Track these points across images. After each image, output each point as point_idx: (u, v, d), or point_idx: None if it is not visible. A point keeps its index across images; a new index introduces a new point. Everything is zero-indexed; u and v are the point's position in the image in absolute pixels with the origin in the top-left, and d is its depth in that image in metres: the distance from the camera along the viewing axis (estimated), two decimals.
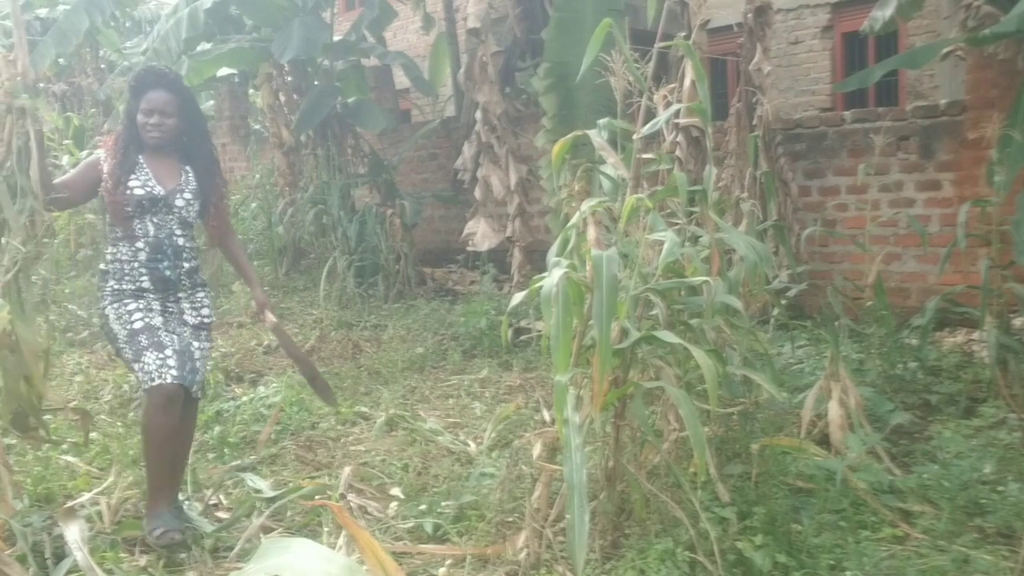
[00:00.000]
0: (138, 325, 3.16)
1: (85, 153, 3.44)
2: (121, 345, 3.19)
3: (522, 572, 2.77)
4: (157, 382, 3.07)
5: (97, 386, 5.22)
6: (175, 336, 3.21)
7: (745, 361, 3.41)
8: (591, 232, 2.78)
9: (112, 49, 12.54)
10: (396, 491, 3.59)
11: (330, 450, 4.18)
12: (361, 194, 8.93)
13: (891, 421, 3.87)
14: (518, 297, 2.96)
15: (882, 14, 5.90)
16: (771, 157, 6.03)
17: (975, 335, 4.93)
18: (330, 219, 8.07)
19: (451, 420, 4.58)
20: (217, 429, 4.33)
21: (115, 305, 3.21)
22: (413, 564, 2.95)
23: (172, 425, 3.14)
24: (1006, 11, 4.44)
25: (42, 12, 12.28)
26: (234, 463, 3.93)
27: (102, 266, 3.31)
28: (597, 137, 2.91)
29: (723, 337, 3.29)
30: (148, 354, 3.11)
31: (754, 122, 6.01)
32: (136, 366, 3.13)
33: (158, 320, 3.21)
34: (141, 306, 3.20)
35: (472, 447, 4.06)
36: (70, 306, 7.18)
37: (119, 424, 4.51)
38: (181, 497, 3.39)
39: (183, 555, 3.03)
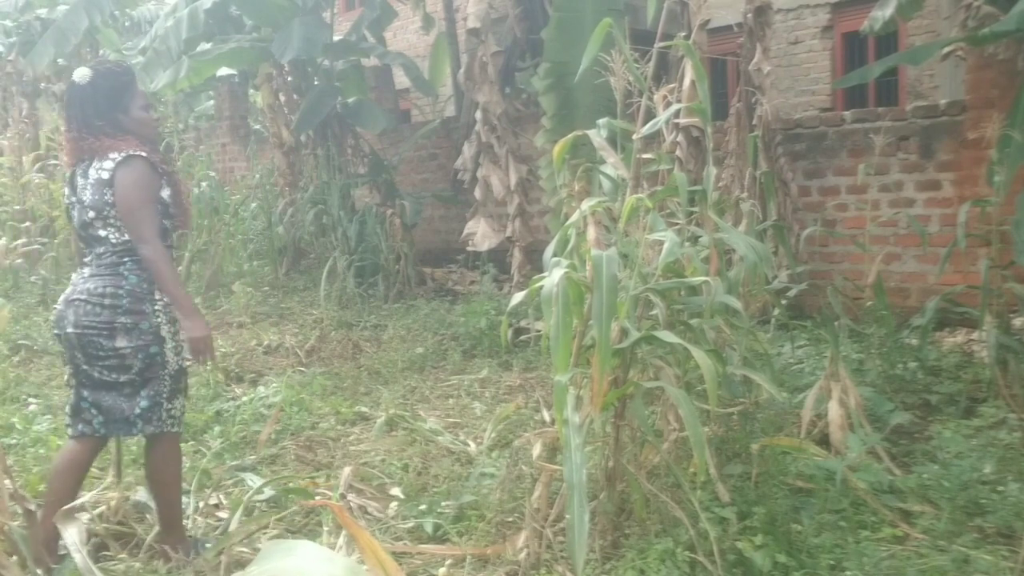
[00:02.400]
0: (185, 363, 2.97)
1: (119, 159, 2.87)
2: (164, 377, 2.91)
3: (522, 572, 2.77)
4: (176, 430, 3.00)
5: None
6: None
7: (745, 361, 3.42)
8: (591, 232, 2.79)
9: (112, 49, 12.53)
10: (396, 491, 3.59)
11: (330, 450, 4.18)
12: (361, 194, 8.93)
13: (891, 421, 3.87)
14: (518, 297, 2.96)
15: (882, 14, 5.90)
16: (771, 157, 6.02)
17: (975, 335, 4.93)
18: (330, 219, 8.07)
19: (451, 420, 4.58)
20: (217, 429, 4.33)
21: (172, 329, 2.91)
22: (413, 564, 2.95)
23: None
24: (1006, 11, 4.44)
25: (42, 12, 12.28)
26: (234, 463, 3.93)
27: (129, 284, 2.87)
28: (597, 137, 2.91)
29: (723, 337, 3.29)
30: (179, 399, 2.99)
31: (754, 122, 6.01)
32: (169, 406, 2.94)
33: None
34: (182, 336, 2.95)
35: (472, 447, 4.06)
36: None
37: None
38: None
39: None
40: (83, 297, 2.87)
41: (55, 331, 2.97)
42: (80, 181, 2.95)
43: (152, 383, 2.91)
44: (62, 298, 2.95)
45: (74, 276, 3.00)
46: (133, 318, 2.86)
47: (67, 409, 3.00)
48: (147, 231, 2.85)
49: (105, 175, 2.88)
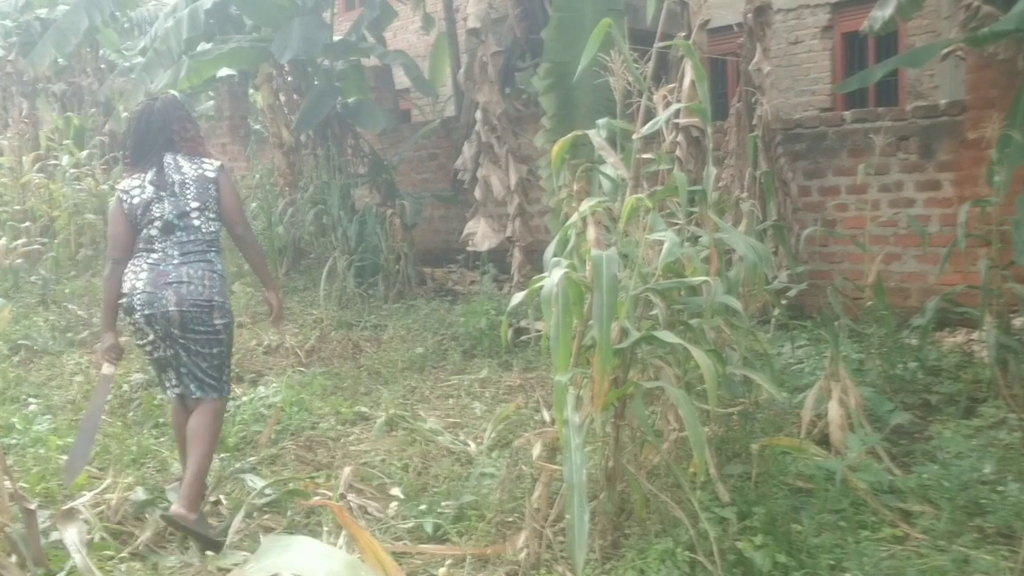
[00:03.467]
0: None
1: (217, 165, 3.60)
2: (229, 353, 3.51)
3: (522, 572, 2.77)
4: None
5: None
6: None
7: (745, 361, 3.41)
8: (591, 232, 2.78)
9: (112, 49, 12.54)
10: (396, 491, 3.59)
11: (330, 450, 4.18)
12: (361, 194, 8.93)
13: (891, 421, 3.87)
14: (518, 297, 2.96)
15: (881, 14, 5.90)
16: (771, 157, 6.02)
17: (975, 335, 4.93)
18: (330, 219, 8.07)
19: (451, 420, 4.58)
20: None
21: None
22: (413, 564, 2.95)
23: None
24: (1006, 11, 4.44)
25: (42, 12, 12.29)
26: (237, 465, 3.93)
27: (219, 268, 3.43)
28: (597, 137, 2.91)
29: (723, 337, 3.29)
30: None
31: (754, 122, 6.01)
32: (227, 372, 3.51)
33: None
34: None
35: (472, 447, 4.06)
36: (70, 306, 7.19)
37: (119, 424, 4.51)
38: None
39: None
40: (185, 279, 3.33)
41: (145, 312, 3.30)
42: (175, 177, 3.42)
43: (229, 353, 3.51)
44: (146, 282, 3.31)
45: (149, 263, 3.34)
46: (222, 297, 3.42)
47: (169, 378, 3.46)
48: (248, 223, 3.68)
49: (210, 174, 3.48)
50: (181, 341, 3.35)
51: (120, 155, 3.89)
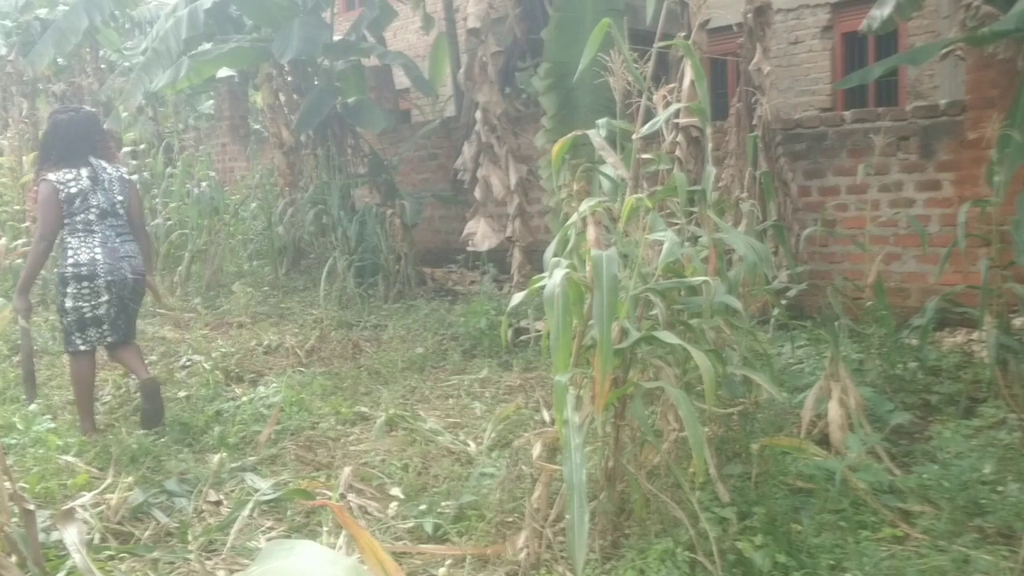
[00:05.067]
0: None
1: (126, 171, 4.72)
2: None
3: (522, 572, 2.77)
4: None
5: (97, 386, 5.21)
6: None
7: (745, 361, 3.41)
8: (591, 232, 2.78)
9: (112, 49, 12.54)
10: (396, 491, 3.59)
11: (330, 450, 4.18)
12: (361, 194, 8.93)
13: (891, 421, 3.87)
14: (518, 297, 2.96)
15: (880, 13, 5.89)
16: (771, 157, 6.02)
17: (975, 335, 4.93)
18: (330, 219, 8.07)
19: (451, 420, 4.57)
20: (217, 429, 4.33)
21: None
22: (413, 564, 2.95)
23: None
24: (1005, 11, 4.44)
25: (42, 12, 12.29)
26: (237, 464, 3.93)
27: (135, 241, 4.47)
28: (597, 137, 2.91)
29: (723, 337, 3.29)
30: None
31: (754, 122, 6.01)
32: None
33: None
34: None
35: (472, 447, 4.06)
36: None
37: (119, 423, 4.50)
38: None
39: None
40: (132, 255, 4.37)
41: (107, 278, 4.23)
42: (105, 176, 4.34)
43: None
44: (104, 256, 4.24)
45: (98, 240, 4.23)
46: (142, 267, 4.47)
47: (103, 331, 4.33)
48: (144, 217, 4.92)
49: (127, 177, 4.50)
50: (126, 301, 4.32)
51: (42, 152, 4.49)
